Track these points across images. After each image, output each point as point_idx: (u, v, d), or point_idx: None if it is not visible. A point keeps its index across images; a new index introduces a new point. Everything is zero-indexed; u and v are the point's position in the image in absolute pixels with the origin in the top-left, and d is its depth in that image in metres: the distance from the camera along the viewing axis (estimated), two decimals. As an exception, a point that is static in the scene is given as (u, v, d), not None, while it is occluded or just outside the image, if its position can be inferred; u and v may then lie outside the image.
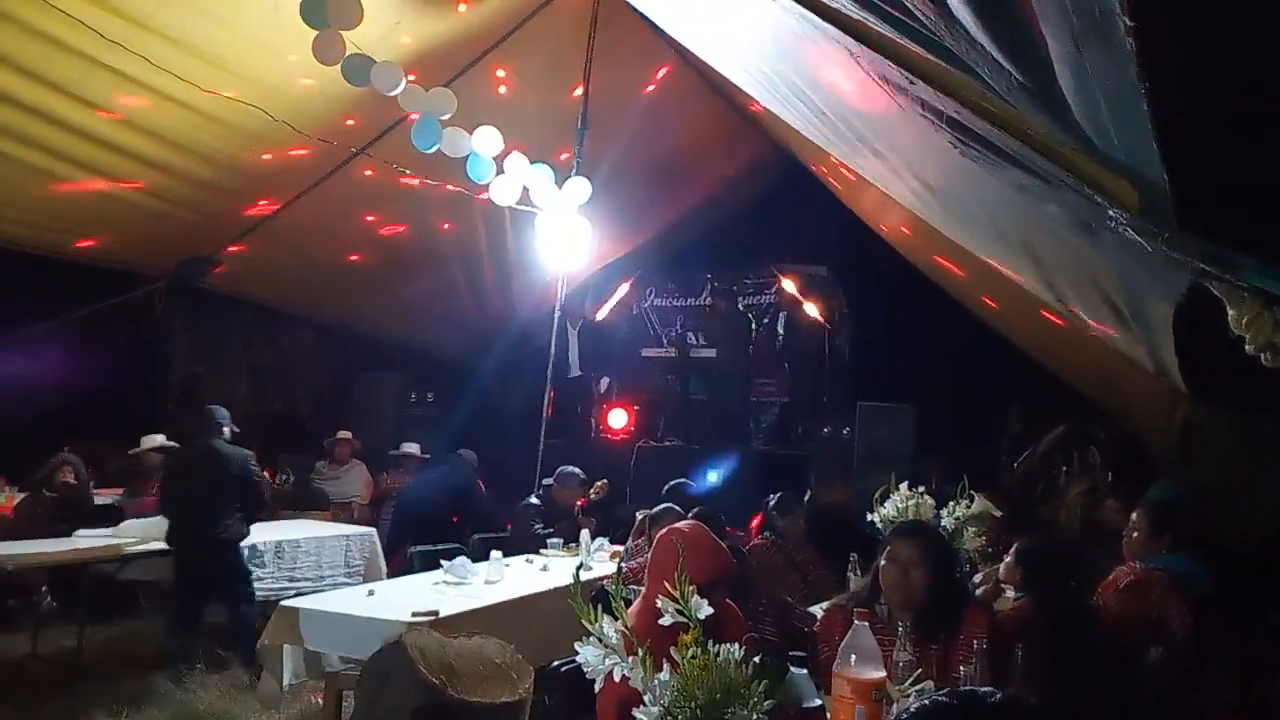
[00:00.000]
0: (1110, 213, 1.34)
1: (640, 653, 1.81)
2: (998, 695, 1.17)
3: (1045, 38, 1.13)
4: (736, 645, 1.83)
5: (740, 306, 11.19)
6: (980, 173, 1.83)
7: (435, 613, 4.53)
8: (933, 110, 1.61)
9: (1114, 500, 5.61)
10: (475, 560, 5.61)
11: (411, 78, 5.62)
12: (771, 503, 5.86)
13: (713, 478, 5.57)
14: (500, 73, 7.11)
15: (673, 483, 6.42)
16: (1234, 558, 4.32)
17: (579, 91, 7.22)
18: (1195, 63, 1.02)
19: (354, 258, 8.94)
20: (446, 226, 8.69)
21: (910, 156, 2.67)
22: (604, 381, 11.11)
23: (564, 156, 7.34)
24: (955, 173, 2.20)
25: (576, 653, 1.98)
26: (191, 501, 6.09)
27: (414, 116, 5.89)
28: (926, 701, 1.16)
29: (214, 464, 6.15)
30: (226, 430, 6.35)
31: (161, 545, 6.25)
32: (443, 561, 5.46)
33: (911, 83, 1.51)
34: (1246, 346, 1.32)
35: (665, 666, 1.80)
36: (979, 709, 1.14)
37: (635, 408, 10.88)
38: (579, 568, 1.99)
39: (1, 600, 6.90)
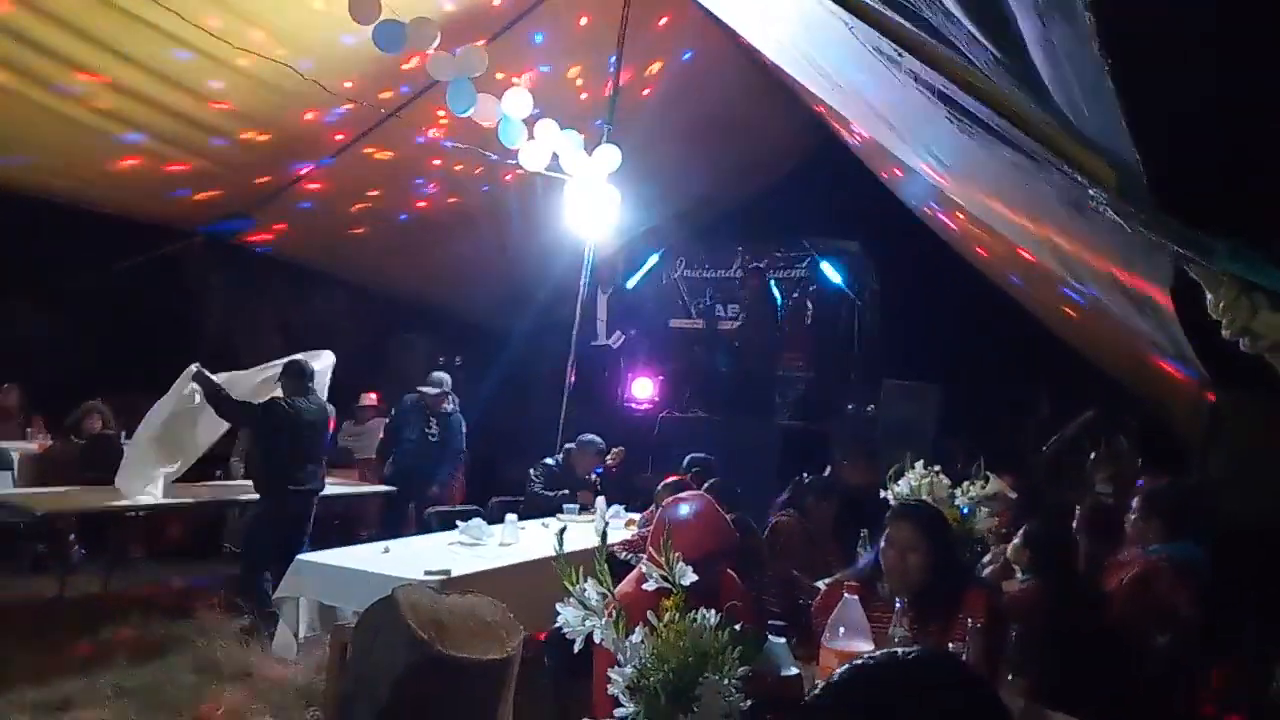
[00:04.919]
0: (1090, 192, 1.33)
1: (615, 614, 1.83)
2: (914, 651, 1.17)
3: (1015, 14, 1.11)
4: (713, 612, 1.84)
5: (772, 280, 11.11)
6: (979, 149, 1.81)
7: (447, 572, 4.59)
8: (925, 84, 1.59)
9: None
10: (491, 522, 5.68)
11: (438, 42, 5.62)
12: (805, 480, 5.87)
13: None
14: (537, 38, 7.09)
15: (693, 455, 6.45)
16: (1252, 545, 4.29)
17: (613, 59, 7.18)
18: (1158, 38, 1.01)
19: (387, 221, 8.99)
20: (480, 191, 8.73)
21: (919, 131, 2.64)
22: (616, 335, 11.06)
23: (596, 123, 7.32)
24: (958, 148, 2.18)
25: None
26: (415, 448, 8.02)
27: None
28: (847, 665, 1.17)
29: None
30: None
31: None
32: (458, 522, 5.54)
33: (900, 55, 1.49)
34: (1224, 331, 1.31)
35: (639, 630, 1.82)
36: (896, 663, 1.15)
37: (660, 378, 10.89)
38: (561, 532, 2.00)
39: (32, 545, 7.08)
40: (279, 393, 6.55)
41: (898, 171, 5.90)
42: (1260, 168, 1.21)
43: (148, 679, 5.11)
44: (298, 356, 6.71)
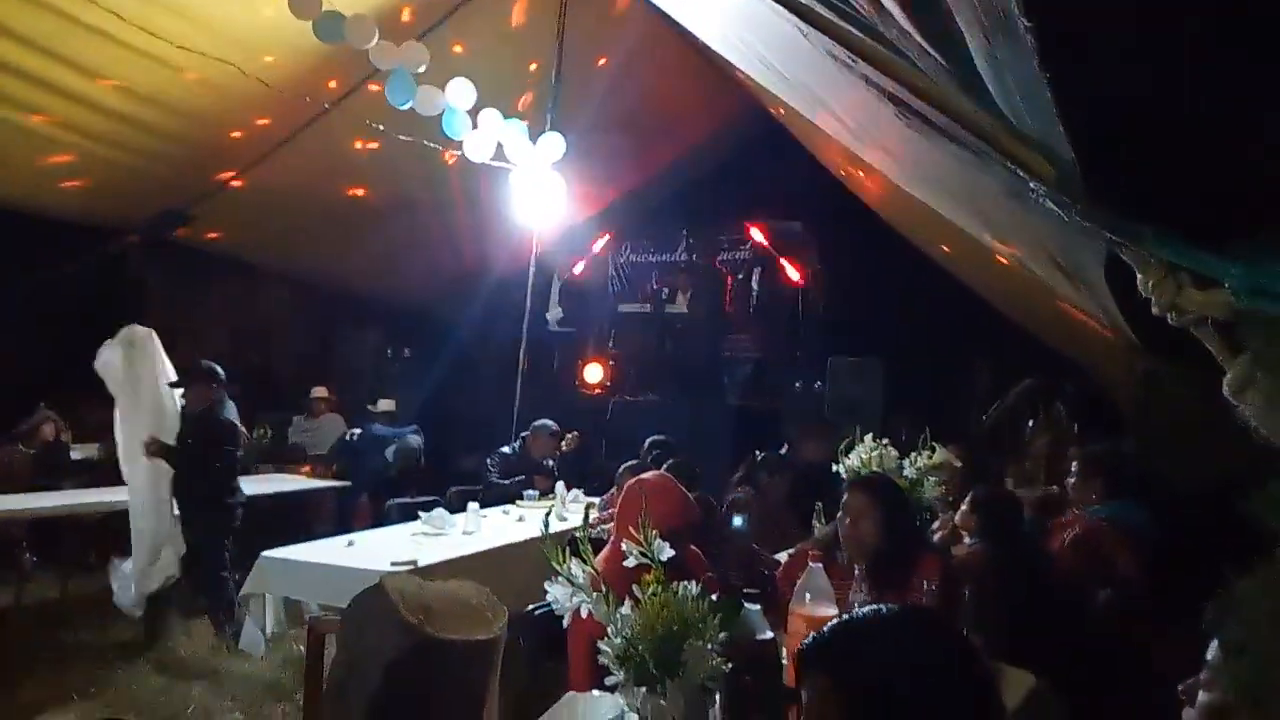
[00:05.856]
0: (1030, 185, 1.46)
1: (604, 589, 1.95)
2: (894, 607, 1.33)
3: (963, 31, 1.23)
4: (694, 583, 1.97)
5: (716, 262, 11.26)
6: (925, 142, 1.94)
7: (414, 562, 4.65)
8: (875, 86, 1.71)
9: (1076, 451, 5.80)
10: (453, 512, 5.75)
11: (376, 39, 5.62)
12: (758, 458, 6.02)
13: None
14: (472, 28, 7.09)
15: (653, 437, 6.58)
16: (1186, 506, 4.51)
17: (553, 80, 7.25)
18: (1091, 55, 1.13)
19: (330, 212, 8.94)
20: (419, 182, 8.73)
21: (867, 123, 2.77)
22: (556, 311, 11.27)
23: (535, 113, 7.37)
24: (905, 141, 2.31)
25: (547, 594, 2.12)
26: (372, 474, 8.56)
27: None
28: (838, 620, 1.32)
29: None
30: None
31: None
32: (420, 513, 5.59)
33: (854, 62, 1.61)
34: (1153, 308, 1.45)
35: (627, 601, 1.94)
36: (875, 616, 1.31)
37: (611, 363, 10.99)
38: (547, 514, 2.11)
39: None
40: (178, 397, 6.07)
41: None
42: (1186, 163, 1.35)
43: (114, 682, 5.11)
44: (206, 364, 6.21)
